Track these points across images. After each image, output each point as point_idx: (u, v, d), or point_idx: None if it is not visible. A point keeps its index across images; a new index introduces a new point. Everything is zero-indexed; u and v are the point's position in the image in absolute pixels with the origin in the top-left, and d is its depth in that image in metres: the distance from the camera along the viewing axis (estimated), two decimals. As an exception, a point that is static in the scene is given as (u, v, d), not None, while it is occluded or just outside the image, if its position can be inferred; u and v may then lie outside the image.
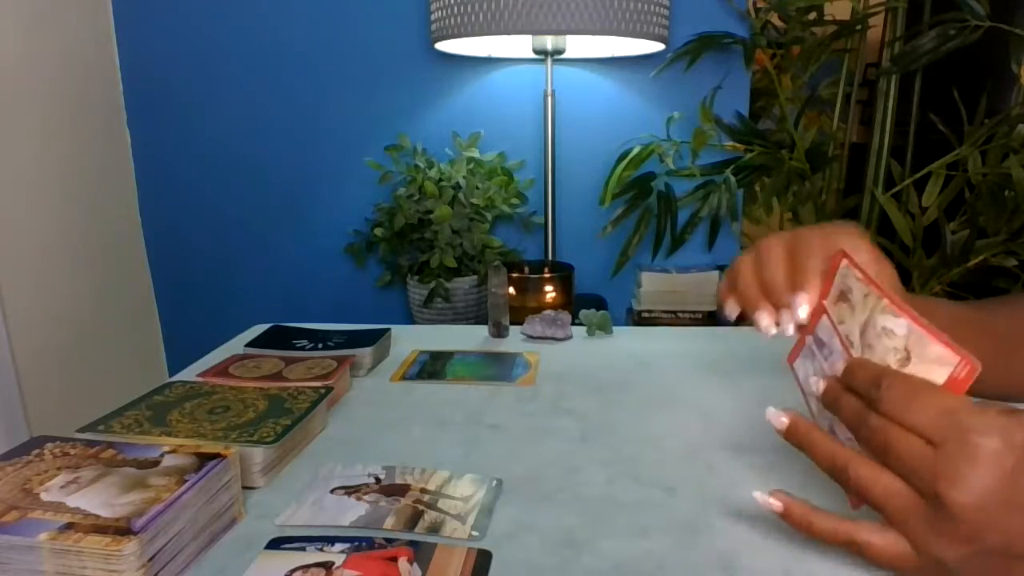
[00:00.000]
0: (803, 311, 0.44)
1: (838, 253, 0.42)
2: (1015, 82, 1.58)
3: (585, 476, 0.52)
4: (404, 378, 0.73)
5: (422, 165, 1.47)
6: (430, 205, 1.42)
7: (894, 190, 1.57)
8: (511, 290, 1.16)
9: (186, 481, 0.42)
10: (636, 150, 1.44)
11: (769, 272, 0.46)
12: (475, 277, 1.44)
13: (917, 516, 0.33)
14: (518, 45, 1.42)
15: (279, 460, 0.54)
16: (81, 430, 0.53)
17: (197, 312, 1.75)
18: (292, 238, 1.69)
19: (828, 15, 1.56)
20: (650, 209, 1.49)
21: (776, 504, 0.39)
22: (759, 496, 0.40)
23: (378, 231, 1.50)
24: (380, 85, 1.58)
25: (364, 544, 0.43)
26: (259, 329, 0.83)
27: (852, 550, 0.36)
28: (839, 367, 0.38)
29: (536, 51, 1.37)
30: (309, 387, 0.62)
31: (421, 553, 0.42)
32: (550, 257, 1.48)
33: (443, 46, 1.37)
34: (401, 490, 0.50)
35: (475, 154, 1.51)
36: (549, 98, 1.40)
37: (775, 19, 1.56)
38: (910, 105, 1.65)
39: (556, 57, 1.39)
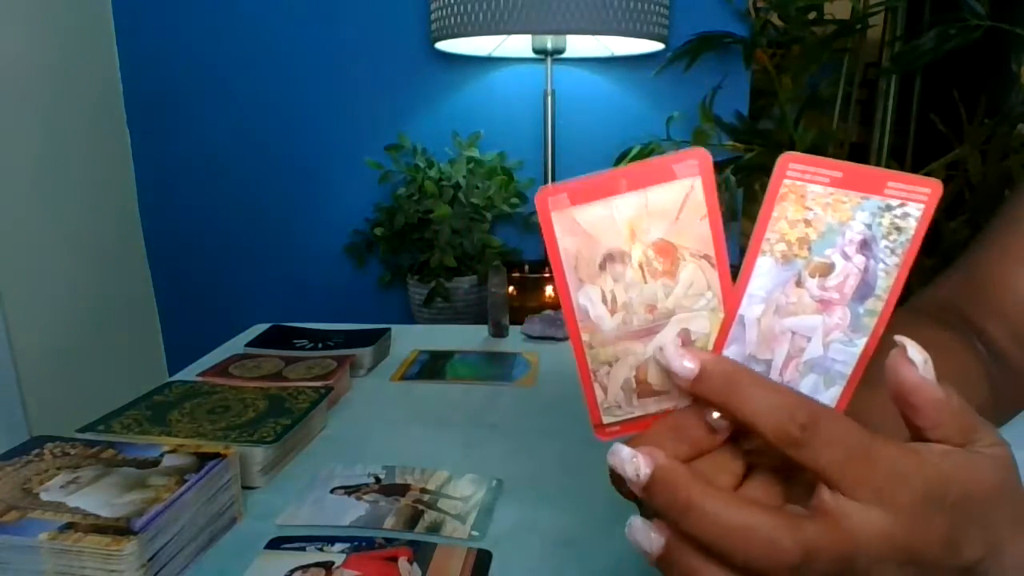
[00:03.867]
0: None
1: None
2: (1015, 82, 1.58)
3: (585, 476, 0.52)
4: (404, 378, 0.73)
5: (422, 165, 1.47)
6: (430, 205, 1.42)
7: (894, 190, 1.57)
8: (511, 290, 1.16)
9: (186, 481, 0.42)
10: (636, 150, 1.44)
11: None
12: (475, 277, 1.44)
13: None
14: (518, 45, 1.42)
15: (279, 460, 0.54)
16: (81, 430, 0.53)
17: (197, 312, 1.75)
18: (292, 238, 1.69)
19: (828, 15, 1.56)
20: (650, 209, 1.49)
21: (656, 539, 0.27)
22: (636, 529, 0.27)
23: (378, 231, 1.50)
24: (380, 85, 1.58)
25: (364, 544, 0.43)
26: (259, 329, 0.83)
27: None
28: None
29: (536, 51, 1.37)
30: (309, 387, 0.62)
31: (421, 553, 0.42)
32: (550, 257, 1.48)
33: (443, 46, 1.37)
34: (401, 490, 0.50)
35: (475, 154, 1.51)
36: (549, 98, 1.40)
37: (775, 19, 1.56)
38: (910, 105, 1.65)
39: (556, 57, 1.39)
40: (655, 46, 1.34)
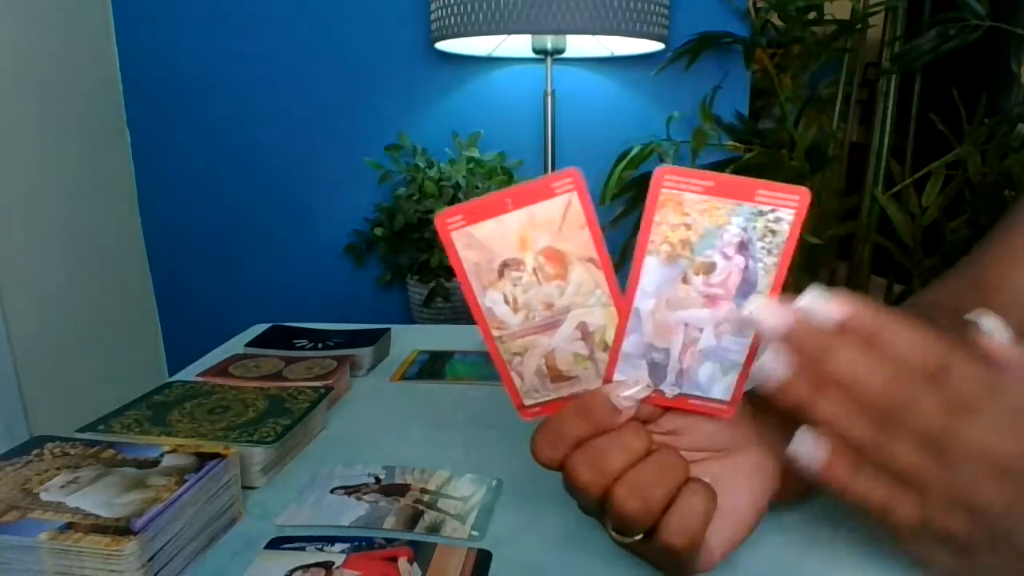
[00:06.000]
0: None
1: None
2: (1015, 82, 1.57)
3: (585, 476, 0.52)
4: (404, 378, 0.73)
5: (422, 165, 1.47)
6: (430, 205, 1.42)
7: (894, 190, 1.57)
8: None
9: (186, 481, 0.42)
10: (636, 150, 1.44)
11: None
12: (475, 277, 1.44)
13: None
14: (518, 45, 1.42)
15: (279, 460, 0.54)
16: (81, 430, 0.53)
17: (197, 312, 1.75)
18: (292, 238, 1.69)
19: (828, 15, 1.56)
20: (650, 209, 1.50)
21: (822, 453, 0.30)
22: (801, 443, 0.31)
23: (378, 231, 1.50)
24: (380, 85, 1.58)
25: (364, 544, 0.43)
26: (259, 329, 0.83)
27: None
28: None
29: (536, 51, 1.37)
30: (309, 387, 0.62)
31: (421, 553, 0.42)
32: (550, 257, 1.48)
33: (443, 46, 1.36)
34: (401, 490, 0.50)
35: (475, 154, 1.51)
36: (549, 98, 1.40)
37: (775, 19, 1.56)
38: (910, 105, 1.65)
39: (556, 57, 1.39)
40: (655, 46, 1.34)
